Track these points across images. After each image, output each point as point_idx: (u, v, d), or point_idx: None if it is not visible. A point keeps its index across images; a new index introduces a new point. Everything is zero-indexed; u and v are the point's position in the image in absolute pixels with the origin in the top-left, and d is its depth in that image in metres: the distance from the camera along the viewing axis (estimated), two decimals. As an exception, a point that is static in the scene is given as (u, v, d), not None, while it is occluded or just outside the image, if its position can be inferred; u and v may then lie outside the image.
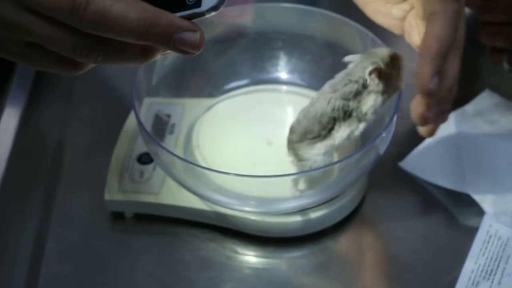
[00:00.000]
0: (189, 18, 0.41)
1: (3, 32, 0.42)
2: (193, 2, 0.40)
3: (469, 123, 0.70)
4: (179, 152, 0.65)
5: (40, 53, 0.43)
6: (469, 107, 0.71)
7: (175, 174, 0.60)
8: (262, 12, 0.70)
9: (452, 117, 0.70)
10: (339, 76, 0.57)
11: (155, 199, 0.62)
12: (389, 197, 0.65)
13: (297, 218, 0.60)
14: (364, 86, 0.56)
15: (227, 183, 0.58)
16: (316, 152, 0.58)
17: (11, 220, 0.65)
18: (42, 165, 0.70)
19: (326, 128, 0.57)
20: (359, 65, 0.56)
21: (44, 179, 0.68)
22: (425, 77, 0.51)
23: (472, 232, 0.61)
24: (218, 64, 0.71)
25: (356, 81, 0.56)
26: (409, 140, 0.69)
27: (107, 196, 0.63)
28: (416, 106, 0.53)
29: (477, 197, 0.64)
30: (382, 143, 0.58)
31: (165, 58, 0.67)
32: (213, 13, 0.40)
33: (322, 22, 0.68)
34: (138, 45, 0.42)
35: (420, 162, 0.67)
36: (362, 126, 0.57)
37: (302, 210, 0.60)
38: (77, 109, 0.76)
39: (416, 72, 0.52)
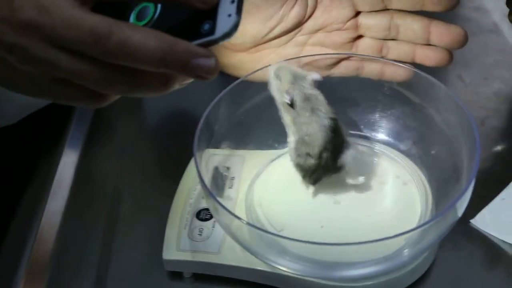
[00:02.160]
0: (204, 46, 0.42)
1: (31, 68, 0.43)
2: (207, 31, 0.43)
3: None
4: (241, 209, 0.62)
5: (65, 87, 0.45)
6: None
7: (237, 235, 0.57)
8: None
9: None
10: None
11: (215, 259, 0.60)
12: (462, 257, 0.62)
13: (366, 283, 0.57)
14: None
15: (294, 247, 0.55)
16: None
17: (67, 276, 0.63)
18: (98, 215, 0.68)
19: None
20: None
21: (100, 232, 0.66)
22: None
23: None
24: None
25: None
26: (480, 194, 0.66)
27: (165, 256, 0.60)
28: None
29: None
30: (461, 206, 0.55)
31: (226, 109, 0.64)
32: (226, 40, 0.42)
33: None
34: (157, 75, 0.44)
35: (494, 219, 0.64)
36: None
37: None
38: (132, 157, 0.74)
39: None
